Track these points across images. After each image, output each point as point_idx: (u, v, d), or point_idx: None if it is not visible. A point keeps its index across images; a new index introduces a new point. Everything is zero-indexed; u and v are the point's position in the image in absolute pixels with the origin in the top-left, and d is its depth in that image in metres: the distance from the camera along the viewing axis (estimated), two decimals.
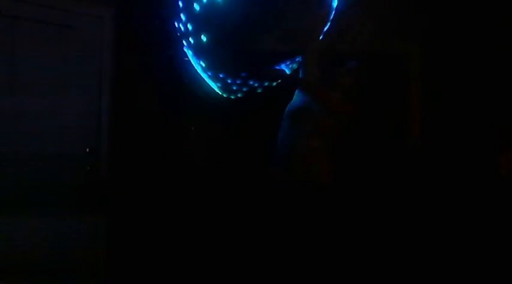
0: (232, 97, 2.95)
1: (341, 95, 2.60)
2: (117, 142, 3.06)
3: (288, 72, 2.87)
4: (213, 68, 2.82)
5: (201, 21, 2.70)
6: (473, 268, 3.06)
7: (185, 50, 2.81)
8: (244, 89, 2.92)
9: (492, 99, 3.32)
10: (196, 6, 2.67)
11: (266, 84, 2.94)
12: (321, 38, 2.76)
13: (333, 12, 2.79)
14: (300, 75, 2.75)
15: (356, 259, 3.10)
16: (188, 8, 2.69)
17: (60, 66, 2.90)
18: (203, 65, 2.80)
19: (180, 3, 2.72)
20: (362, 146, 3.31)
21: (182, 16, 2.72)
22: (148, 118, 3.18)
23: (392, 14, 3.46)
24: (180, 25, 2.74)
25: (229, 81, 2.88)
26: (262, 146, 2.93)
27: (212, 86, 2.90)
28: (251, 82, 2.91)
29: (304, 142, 2.56)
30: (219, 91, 2.93)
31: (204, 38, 2.71)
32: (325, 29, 2.78)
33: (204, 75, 2.87)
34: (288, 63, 2.89)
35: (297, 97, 2.71)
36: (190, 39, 2.74)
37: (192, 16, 2.69)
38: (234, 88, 2.92)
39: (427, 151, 3.38)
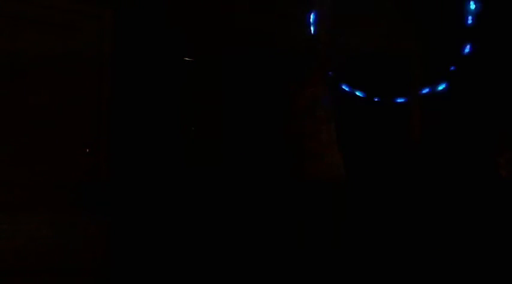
0: None
1: None
2: (116, 142, 3.06)
3: None
4: None
5: None
6: (474, 268, 3.06)
7: None
8: None
9: (492, 100, 3.33)
10: None
11: None
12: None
13: None
14: None
15: (361, 257, 3.10)
16: None
17: (60, 65, 2.90)
18: None
19: None
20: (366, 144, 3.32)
21: None
22: (148, 118, 3.18)
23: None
24: None
25: None
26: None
27: None
28: None
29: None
30: None
31: None
32: None
33: None
34: None
35: None
36: None
37: None
38: None
39: (427, 152, 3.38)
